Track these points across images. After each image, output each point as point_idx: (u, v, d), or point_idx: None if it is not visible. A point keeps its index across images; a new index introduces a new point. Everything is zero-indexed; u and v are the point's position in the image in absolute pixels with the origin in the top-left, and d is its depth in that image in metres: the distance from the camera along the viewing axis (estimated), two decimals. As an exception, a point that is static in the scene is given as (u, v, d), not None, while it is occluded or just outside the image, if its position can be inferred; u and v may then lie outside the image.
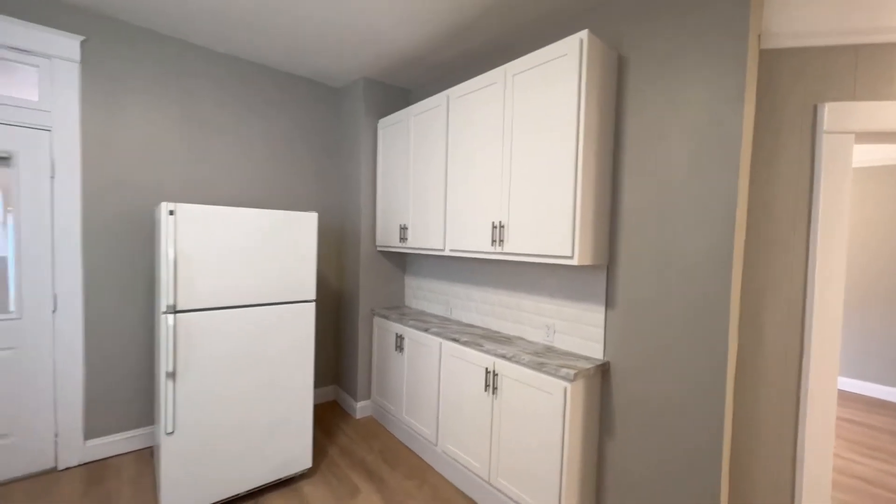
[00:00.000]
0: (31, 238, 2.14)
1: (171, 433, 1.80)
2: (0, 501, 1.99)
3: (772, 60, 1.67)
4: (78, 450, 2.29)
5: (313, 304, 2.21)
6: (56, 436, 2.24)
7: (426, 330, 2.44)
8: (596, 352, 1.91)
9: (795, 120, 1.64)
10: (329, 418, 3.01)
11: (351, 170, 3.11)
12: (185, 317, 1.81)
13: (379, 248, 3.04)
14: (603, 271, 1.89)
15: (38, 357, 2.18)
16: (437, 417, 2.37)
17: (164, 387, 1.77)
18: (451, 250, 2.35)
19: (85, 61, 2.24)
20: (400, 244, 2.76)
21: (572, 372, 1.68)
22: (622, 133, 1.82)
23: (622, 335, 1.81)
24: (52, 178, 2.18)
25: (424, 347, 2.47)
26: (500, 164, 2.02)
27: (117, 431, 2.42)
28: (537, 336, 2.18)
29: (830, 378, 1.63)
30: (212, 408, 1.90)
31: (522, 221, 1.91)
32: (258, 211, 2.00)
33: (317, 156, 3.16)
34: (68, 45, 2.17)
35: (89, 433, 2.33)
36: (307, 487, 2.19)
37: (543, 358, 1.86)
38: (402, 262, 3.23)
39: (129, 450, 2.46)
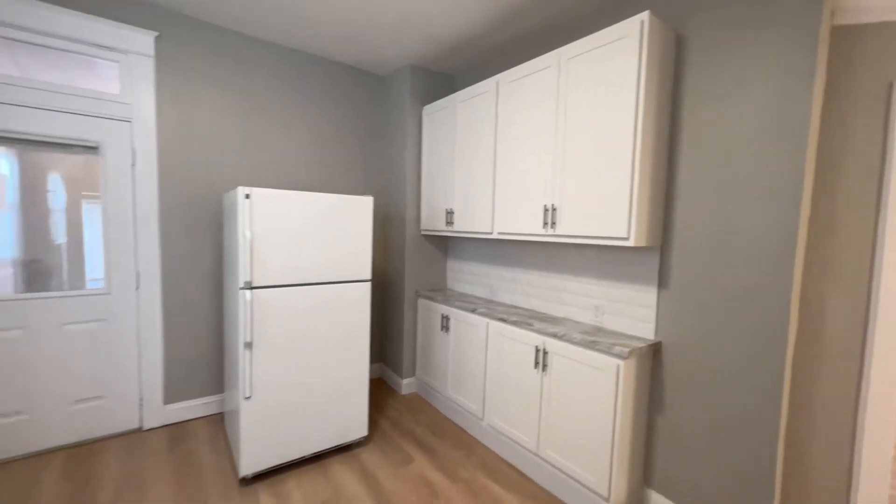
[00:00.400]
0: (116, 221, 2.35)
1: (249, 398, 1.98)
2: (98, 455, 2.24)
3: (844, 36, 1.63)
4: (159, 412, 2.53)
5: (369, 283, 2.34)
6: (140, 400, 2.49)
7: (473, 311, 2.54)
8: (647, 332, 1.95)
9: (868, 98, 1.60)
10: (377, 394, 3.18)
11: (396, 156, 3.20)
12: (259, 293, 1.96)
13: (423, 232, 3.13)
14: (655, 252, 1.92)
15: (124, 328, 2.41)
16: (483, 394, 2.47)
17: (243, 356, 1.94)
18: (500, 233, 2.41)
19: (158, 56, 2.40)
20: (446, 228, 2.85)
21: (626, 350, 1.73)
22: (680, 113, 1.82)
23: (676, 316, 1.84)
24: (133, 165, 2.37)
25: (471, 327, 2.56)
26: (553, 147, 2.05)
27: (191, 398, 2.66)
28: (585, 317, 2.23)
29: (893, 363, 1.61)
30: (282, 377, 2.07)
31: (575, 204, 1.95)
32: (320, 194, 2.12)
33: (363, 142, 3.27)
34: (144, 40, 2.33)
35: (168, 398, 2.57)
36: (364, 454, 2.36)
37: (594, 337, 1.91)
38: (445, 245, 3.32)
39: (202, 415, 2.70)
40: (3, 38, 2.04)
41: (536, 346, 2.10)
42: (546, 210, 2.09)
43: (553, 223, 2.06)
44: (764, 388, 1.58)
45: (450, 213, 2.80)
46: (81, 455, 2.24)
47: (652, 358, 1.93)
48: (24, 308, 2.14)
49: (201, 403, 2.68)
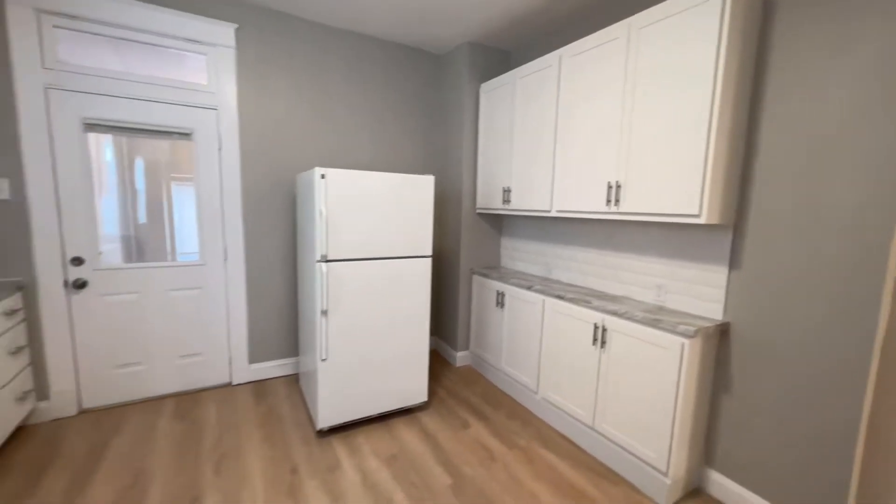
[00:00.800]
0: (206, 200, 2.63)
1: (325, 360, 2.19)
2: (200, 402, 2.60)
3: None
4: (245, 370, 2.87)
5: (430, 259, 2.45)
6: (230, 358, 2.83)
7: (529, 288, 2.58)
8: (714, 312, 1.90)
9: None
10: (433, 364, 3.36)
11: (452, 135, 3.25)
12: (333, 265, 2.14)
13: (479, 211, 3.19)
14: (726, 230, 1.84)
15: (216, 295, 2.73)
16: (538, 368, 2.54)
17: (320, 322, 2.15)
18: (558, 211, 2.42)
19: (238, 47, 2.60)
20: (502, 206, 2.88)
21: (692, 329, 1.71)
22: (764, 79, 1.70)
23: (749, 296, 1.78)
24: (220, 150, 2.62)
25: (527, 304, 2.62)
26: (619, 122, 2.01)
27: (270, 359, 2.97)
28: (646, 296, 2.21)
29: None
30: (352, 343, 2.26)
31: (642, 180, 1.91)
32: (385, 174, 2.24)
33: (421, 122, 3.35)
34: (226, 33, 2.53)
35: (251, 359, 2.90)
36: (424, 418, 2.53)
37: (657, 315, 1.90)
38: (499, 224, 3.36)
39: (279, 375, 3.02)
40: (111, 36, 2.31)
41: (595, 324, 2.11)
42: (610, 187, 2.06)
43: (617, 200, 2.03)
44: (847, 376, 1.51)
45: (507, 191, 2.83)
46: (186, 402, 2.61)
47: (719, 338, 1.88)
48: (138, 275, 2.49)
49: (278, 365, 2.99)
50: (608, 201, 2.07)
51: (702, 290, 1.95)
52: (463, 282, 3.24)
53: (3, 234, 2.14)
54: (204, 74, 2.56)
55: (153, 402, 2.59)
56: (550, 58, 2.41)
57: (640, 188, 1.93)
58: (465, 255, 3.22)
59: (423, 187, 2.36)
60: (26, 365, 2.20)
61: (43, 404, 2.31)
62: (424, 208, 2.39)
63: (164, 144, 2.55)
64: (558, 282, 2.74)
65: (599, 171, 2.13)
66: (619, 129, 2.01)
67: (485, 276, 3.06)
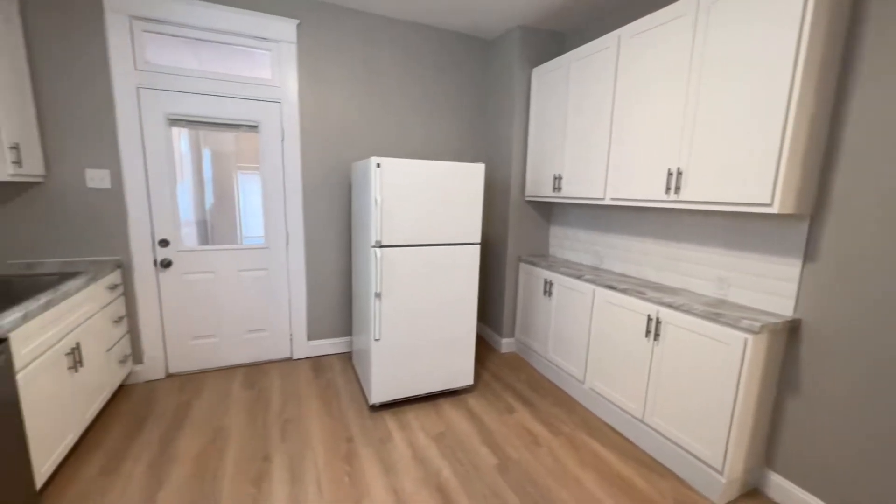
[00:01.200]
0: (271, 188, 2.83)
1: (378, 340, 2.32)
2: (265, 373, 2.85)
3: None
4: (304, 346, 3.09)
5: (478, 246, 2.49)
6: (291, 335, 3.06)
7: (579, 277, 2.55)
8: (783, 308, 1.78)
9: None
10: (479, 350, 3.43)
11: (502, 121, 3.23)
12: (386, 251, 2.24)
13: (528, 199, 3.17)
14: (801, 220, 1.71)
15: (279, 277, 2.95)
16: (586, 358, 2.52)
17: (374, 304, 2.27)
18: (613, 199, 2.35)
19: (299, 42, 2.73)
20: (552, 194, 2.84)
21: (757, 324, 1.62)
22: (856, 53, 1.54)
23: (826, 292, 1.65)
24: (283, 141, 2.80)
25: (576, 294, 2.59)
26: (683, 105, 1.90)
27: (327, 337, 3.18)
28: (706, 289, 2.11)
29: None
30: (404, 324, 2.37)
31: (706, 166, 1.81)
32: (437, 163, 2.29)
33: (470, 109, 3.35)
34: (289, 28, 2.67)
35: (310, 336, 3.12)
36: (471, 400, 2.61)
37: (718, 309, 1.81)
38: (548, 212, 3.32)
39: (334, 352, 3.23)
40: (189, 37, 2.52)
41: (649, 315, 2.06)
42: (670, 174, 1.98)
43: (677, 188, 1.94)
44: (939, 379, 1.37)
45: (557, 178, 2.78)
46: (254, 373, 2.87)
47: (787, 336, 1.77)
48: (212, 257, 2.75)
49: (333, 343, 3.20)
50: (668, 189, 1.99)
51: (769, 284, 1.83)
52: (510, 269, 3.25)
53: (105, 219, 2.45)
54: (269, 69, 2.73)
55: (227, 371, 2.88)
56: (608, 38, 2.31)
57: (703, 175, 1.83)
58: (513, 242, 3.22)
59: (473, 175, 2.39)
60: (125, 333, 2.53)
61: (138, 367, 2.65)
62: (474, 196, 2.42)
63: (229, 136, 2.76)
64: (609, 272, 2.67)
65: (659, 156, 2.04)
66: (683, 112, 1.91)
67: (532, 264, 3.05)
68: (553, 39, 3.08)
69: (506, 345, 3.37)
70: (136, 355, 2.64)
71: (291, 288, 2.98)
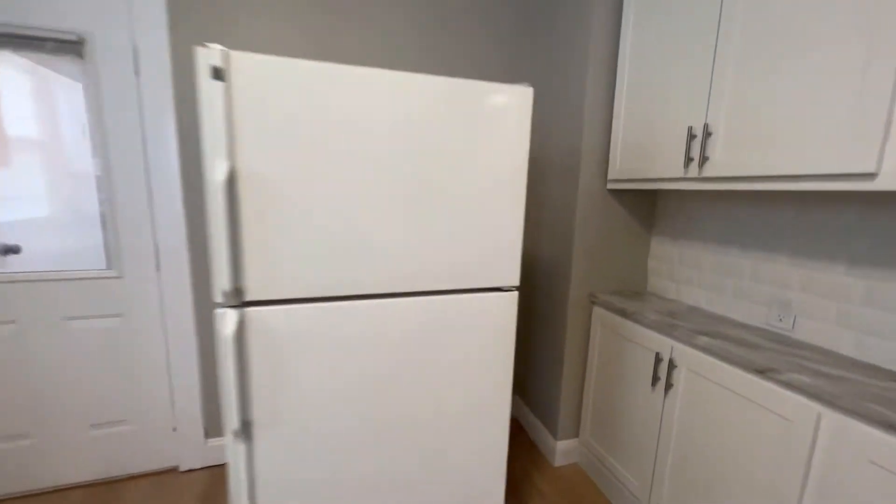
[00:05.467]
0: (118, 164, 1.51)
1: (252, 537, 0.90)
2: (126, 500, 1.54)
3: None
4: (199, 448, 1.74)
5: (515, 294, 1.02)
6: (174, 429, 1.73)
7: (763, 372, 1.01)
8: None
9: None
10: (513, 453, 1.93)
11: (566, 48, 1.73)
12: (262, 314, 0.83)
13: (612, 186, 1.65)
14: None
15: (146, 327, 1.62)
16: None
17: (233, 451, 0.86)
18: (920, 173, 0.80)
19: None
20: (684, 173, 1.31)
21: None
22: None
23: None
24: (137, 74, 1.45)
25: (755, 409, 1.05)
26: None
27: (245, 429, 1.82)
28: None
29: None
30: (326, 480, 0.94)
31: None
32: (413, 77, 0.85)
33: (508, 24, 1.88)
34: None
35: (210, 431, 1.77)
36: None
37: None
38: (650, 210, 1.77)
39: (260, 452, 1.86)
40: None
41: None
42: None
43: None
44: None
45: (698, 137, 1.25)
46: (102, 496, 1.56)
47: None
48: (6, 293, 1.47)
49: (258, 438, 1.83)
50: None
51: None
52: (573, 315, 1.75)
53: None
54: None
55: (56, 496, 1.59)
56: None
57: None
58: (580, 267, 1.71)
59: (507, 114, 0.93)
60: None
61: None
62: (509, 170, 0.95)
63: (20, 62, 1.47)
64: (809, 345, 1.12)
65: None
66: None
67: (623, 314, 1.53)
68: None
69: (563, 453, 1.86)
70: None
71: (171, 346, 1.65)
